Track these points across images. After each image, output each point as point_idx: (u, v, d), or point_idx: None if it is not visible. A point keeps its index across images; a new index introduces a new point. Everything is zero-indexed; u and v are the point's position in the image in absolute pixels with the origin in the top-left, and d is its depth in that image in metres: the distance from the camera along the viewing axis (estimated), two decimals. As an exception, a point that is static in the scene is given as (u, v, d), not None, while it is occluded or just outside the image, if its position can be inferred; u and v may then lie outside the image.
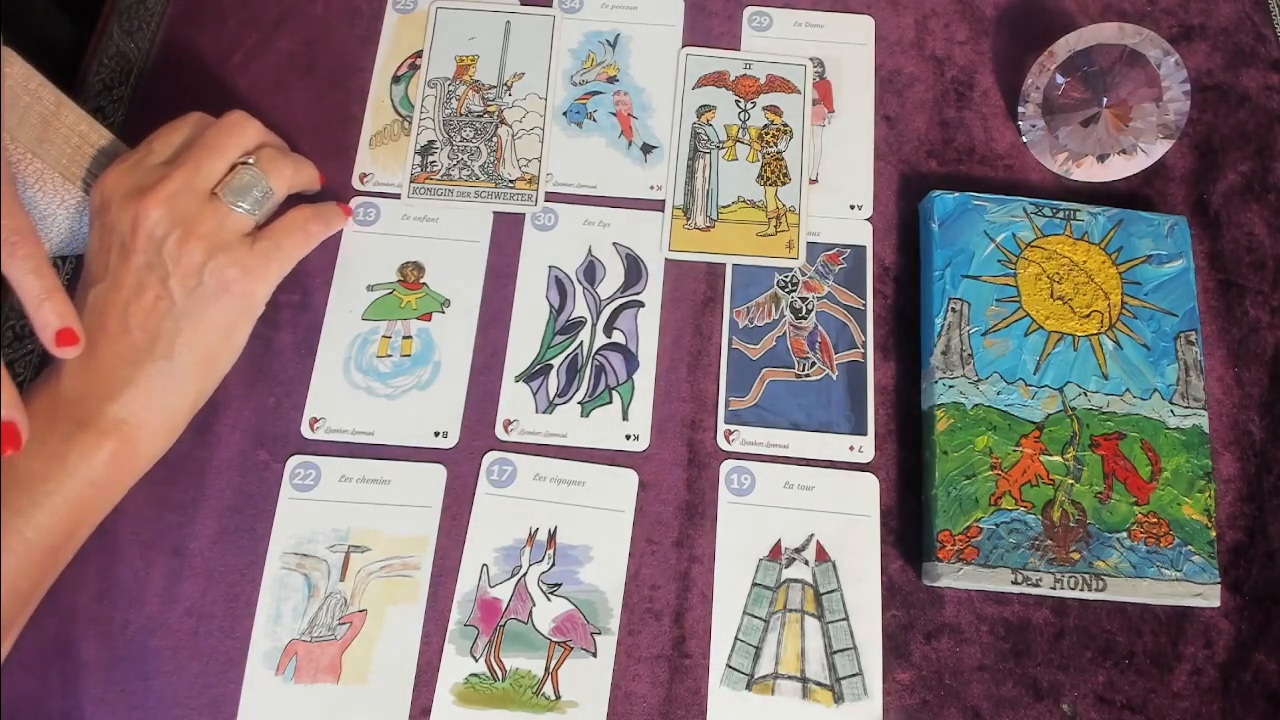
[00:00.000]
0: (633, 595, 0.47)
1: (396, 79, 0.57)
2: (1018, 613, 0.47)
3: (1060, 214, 0.52)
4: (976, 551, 0.46)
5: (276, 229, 0.46)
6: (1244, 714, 0.46)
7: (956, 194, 0.52)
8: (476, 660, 0.45)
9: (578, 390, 0.50)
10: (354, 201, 0.54)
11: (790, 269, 0.53)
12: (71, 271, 0.51)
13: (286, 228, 0.46)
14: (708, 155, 0.56)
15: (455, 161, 0.55)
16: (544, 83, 0.57)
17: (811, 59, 0.58)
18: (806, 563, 0.47)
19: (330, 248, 0.52)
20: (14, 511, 0.38)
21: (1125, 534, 0.46)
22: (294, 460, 0.48)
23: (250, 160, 0.45)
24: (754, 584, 0.47)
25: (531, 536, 0.48)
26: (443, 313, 0.52)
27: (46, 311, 0.39)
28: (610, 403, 0.50)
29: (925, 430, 0.49)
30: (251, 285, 0.44)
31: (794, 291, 0.53)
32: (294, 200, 0.49)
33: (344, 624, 0.46)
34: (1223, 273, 0.54)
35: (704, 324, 0.52)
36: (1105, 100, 0.53)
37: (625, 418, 0.50)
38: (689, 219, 0.54)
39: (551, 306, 0.52)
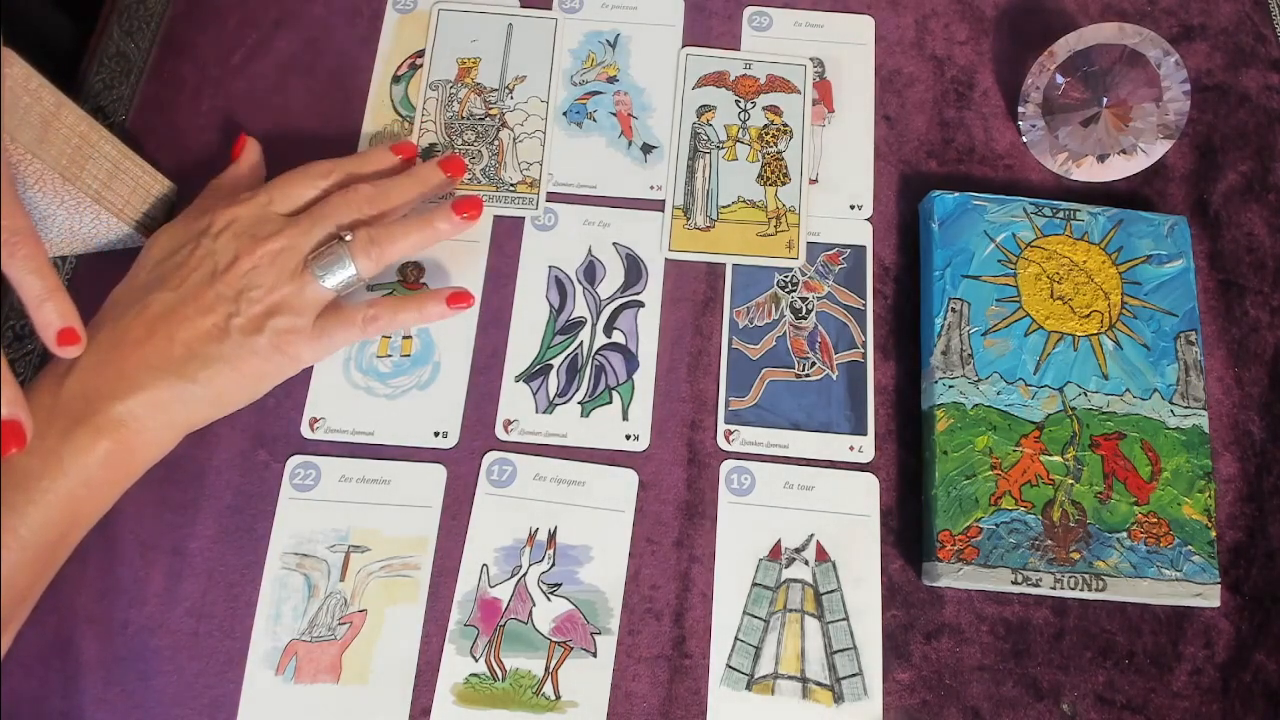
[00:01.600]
0: (633, 595, 0.47)
1: (396, 79, 0.57)
2: (1018, 613, 0.47)
3: (1060, 214, 0.52)
4: (976, 551, 0.46)
5: (343, 316, 0.46)
6: (1244, 714, 0.46)
7: (956, 194, 0.52)
8: (476, 660, 0.45)
9: (578, 390, 0.51)
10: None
11: (790, 269, 0.53)
12: (72, 271, 0.52)
13: (350, 318, 0.46)
14: (708, 155, 0.56)
15: (455, 162, 0.54)
16: (546, 86, 0.57)
17: (811, 59, 0.58)
18: (806, 563, 0.48)
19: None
20: (9, 508, 0.38)
21: (1125, 534, 0.46)
22: (294, 460, 0.48)
23: (348, 237, 0.45)
24: (754, 584, 0.47)
25: (531, 536, 0.48)
26: (443, 313, 0.52)
27: (48, 311, 0.39)
28: (610, 403, 0.50)
29: (925, 430, 0.49)
30: (299, 353, 0.45)
31: (794, 291, 0.53)
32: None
33: (344, 624, 0.46)
34: (1223, 273, 0.54)
35: (704, 324, 0.52)
36: (1105, 100, 0.53)
37: (625, 418, 0.50)
38: (689, 219, 0.54)
39: (551, 306, 0.52)
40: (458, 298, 0.48)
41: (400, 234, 0.47)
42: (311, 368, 0.50)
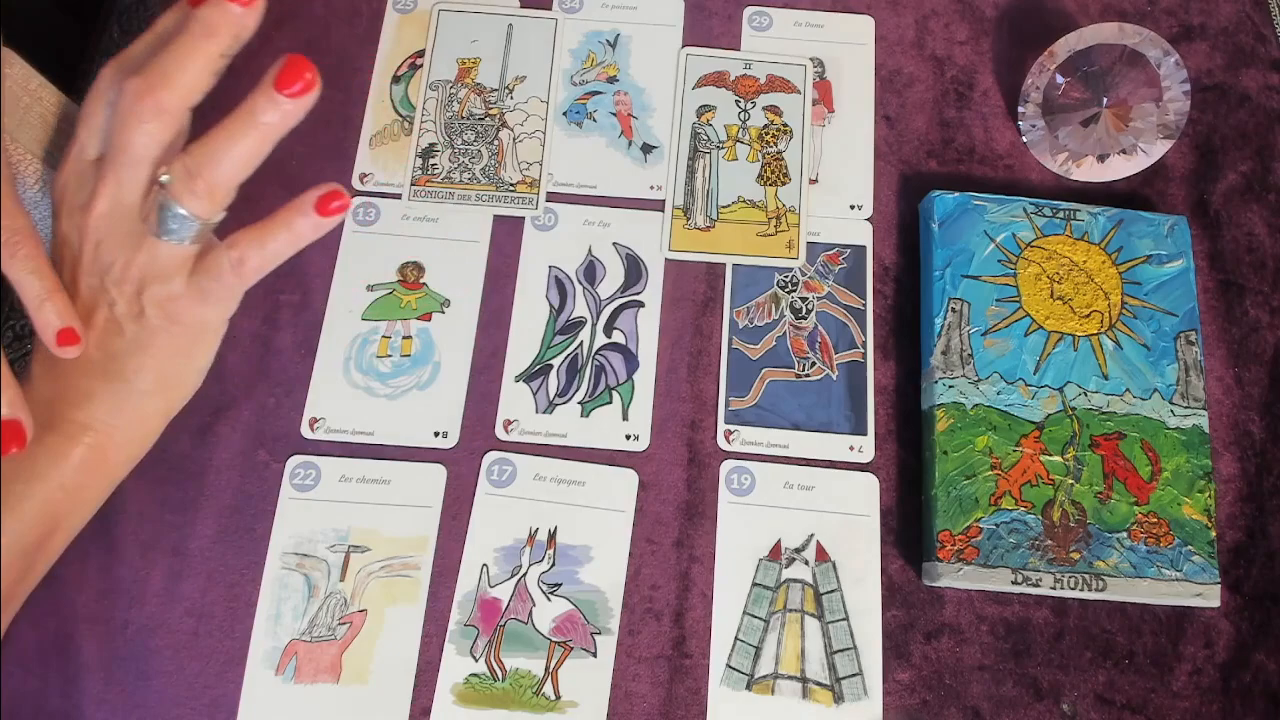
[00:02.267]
0: (633, 595, 0.47)
1: (396, 79, 0.57)
2: (1018, 613, 0.47)
3: (1060, 214, 0.52)
4: (976, 551, 0.46)
5: (210, 267, 0.39)
6: (1244, 714, 0.46)
7: (956, 194, 0.52)
8: (476, 660, 0.45)
9: (578, 390, 0.51)
10: (354, 201, 0.54)
11: (790, 269, 0.53)
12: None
13: (217, 267, 0.39)
14: (708, 155, 0.56)
15: (456, 165, 0.55)
16: (545, 86, 0.57)
17: (811, 59, 0.58)
18: (806, 563, 0.47)
19: (330, 247, 0.52)
20: None
21: (1125, 534, 0.46)
22: (294, 460, 0.48)
23: (164, 177, 0.36)
24: (754, 584, 0.47)
25: (531, 536, 0.48)
26: (443, 313, 0.52)
27: (48, 311, 0.39)
28: (610, 403, 0.50)
29: (925, 430, 0.49)
30: (200, 314, 0.40)
31: (794, 291, 0.53)
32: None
33: (344, 624, 0.46)
34: (1223, 273, 0.54)
35: (704, 324, 0.52)
36: (1105, 100, 0.53)
37: (625, 418, 0.50)
38: (689, 219, 0.54)
39: (551, 306, 0.52)
40: (328, 199, 0.38)
41: (223, 146, 0.36)
42: (311, 368, 0.50)
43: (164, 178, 0.36)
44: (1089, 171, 0.55)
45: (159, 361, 0.40)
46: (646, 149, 0.56)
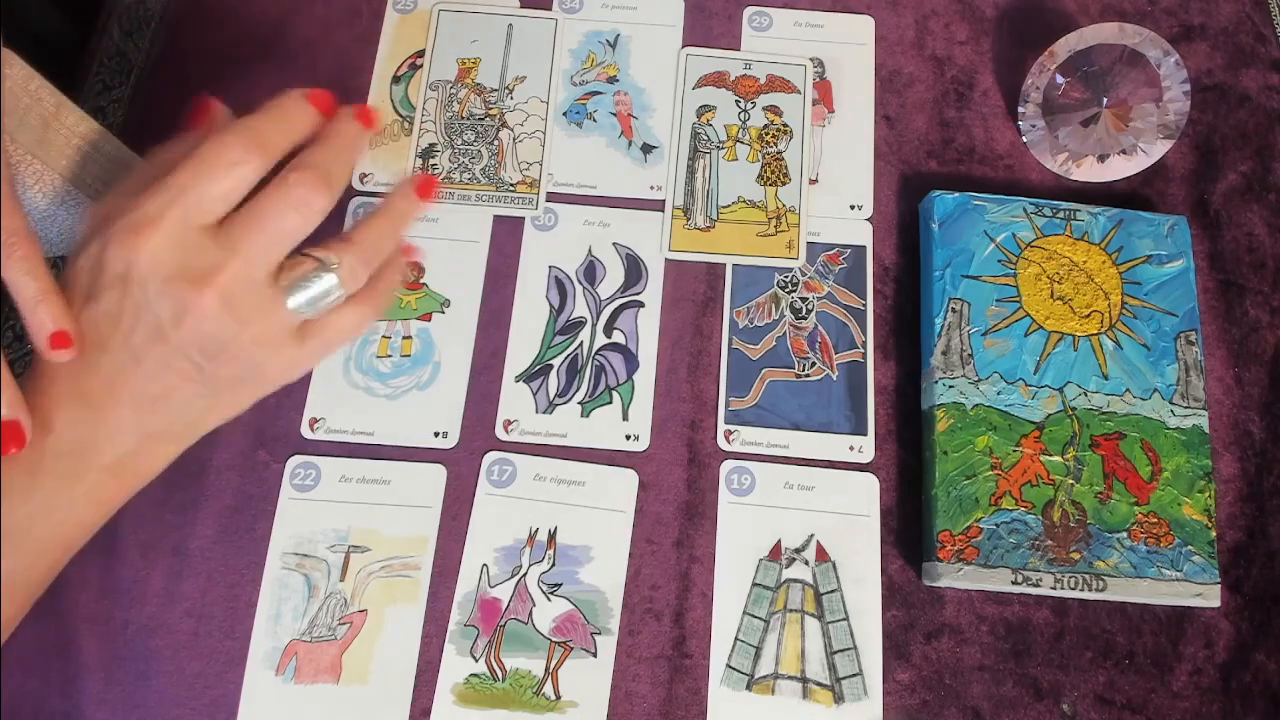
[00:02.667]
0: (633, 595, 0.47)
1: (396, 79, 0.57)
2: (1018, 613, 0.47)
3: (1060, 214, 0.52)
4: (976, 551, 0.46)
5: (331, 324, 0.39)
6: (1244, 714, 0.46)
7: (956, 194, 0.52)
8: (476, 660, 0.45)
9: (578, 390, 0.50)
10: (353, 202, 0.54)
11: (790, 269, 0.53)
12: (71, 272, 0.51)
13: (341, 327, 0.39)
14: (708, 155, 0.56)
15: (456, 165, 0.55)
16: (546, 86, 0.57)
17: (811, 59, 0.58)
18: (806, 563, 0.47)
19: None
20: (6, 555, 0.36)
21: (1125, 534, 0.46)
22: (294, 460, 0.48)
23: (334, 262, 0.37)
24: (754, 584, 0.47)
25: (531, 536, 0.48)
26: (443, 313, 0.52)
27: (41, 314, 0.38)
28: (610, 403, 0.50)
29: (925, 430, 0.49)
30: (286, 377, 0.40)
31: (794, 291, 0.53)
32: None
33: (344, 624, 0.46)
34: (1223, 273, 0.54)
35: (704, 324, 0.52)
36: (1105, 100, 0.53)
37: (625, 418, 0.50)
38: (689, 219, 0.54)
39: (551, 307, 0.52)
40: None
41: (386, 243, 0.39)
42: (312, 369, 0.50)
43: (333, 262, 0.37)
44: (1089, 171, 0.55)
45: (225, 413, 0.40)
46: (646, 149, 0.56)
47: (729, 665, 0.46)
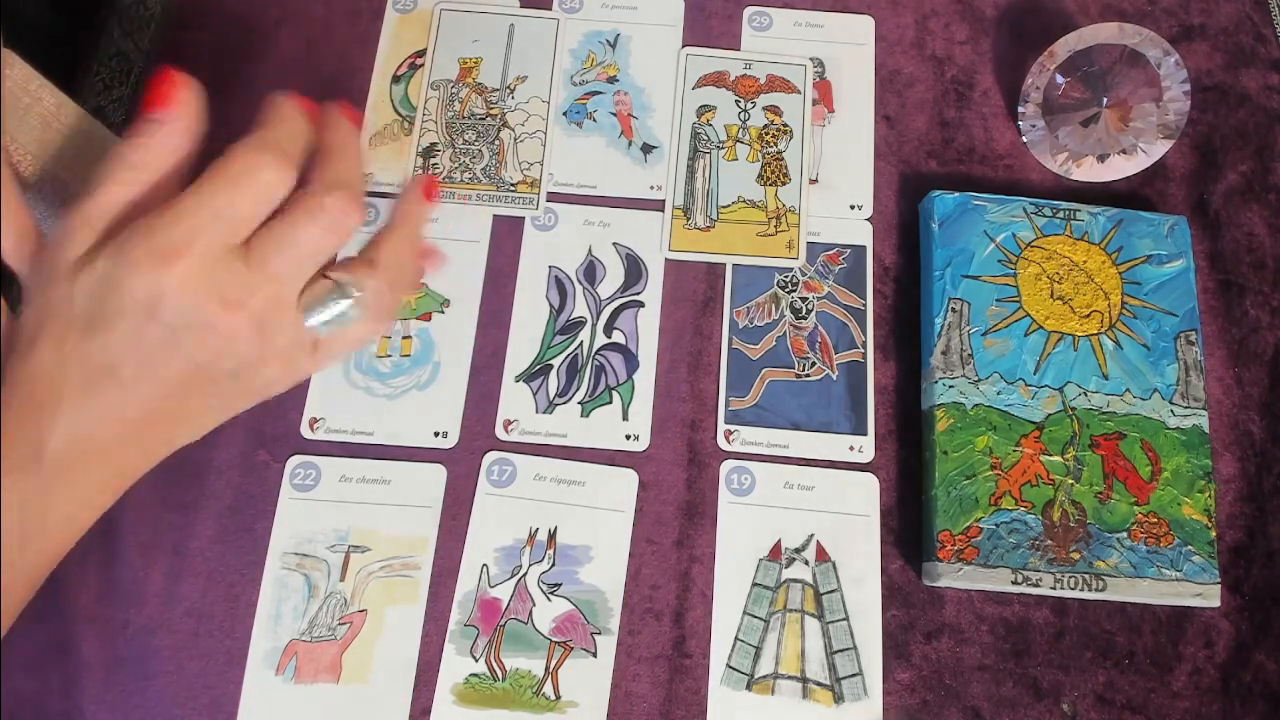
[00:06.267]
0: (633, 595, 0.47)
1: (396, 79, 0.57)
2: (1018, 613, 0.47)
3: (1060, 214, 0.52)
4: (976, 551, 0.46)
5: (342, 337, 0.38)
6: (1244, 714, 0.46)
7: (956, 194, 0.52)
8: (476, 660, 0.45)
9: (578, 390, 0.51)
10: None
11: (790, 269, 0.53)
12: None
13: (352, 339, 0.39)
14: (708, 155, 0.56)
15: (457, 164, 0.55)
16: (547, 86, 0.57)
17: (811, 59, 0.58)
18: (806, 563, 0.47)
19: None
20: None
21: (1125, 534, 0.46)
22: (294, 460, 0.48)
23: (358, 291, 0.36)
24: (754, 584, 0.47)
25: (531, 536, 0.48)
26: (442, 313, 0.52)
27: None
28: (610, 403, 0.50)
29: (925, 430, 0.49)
30: (291, 384, 0.40)
31: (794, 291, 0.53)
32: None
33: (344, 624, 0.46)
34: (1223, 273, 0.54)
35: (704, 324, 0.52)
36: (1105, 100, 0.53)
37: (625, 418, 0.50)
38: (689, 219, 0.54)
39: (551, 306, 0.52)
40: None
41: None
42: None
43: (354, 290, 0.36)
44: (1089, 171, 0.55)
45: (252, 390, 0.39)
46: (646, 149, 0.56)
47: (729, 665, 0.46)
